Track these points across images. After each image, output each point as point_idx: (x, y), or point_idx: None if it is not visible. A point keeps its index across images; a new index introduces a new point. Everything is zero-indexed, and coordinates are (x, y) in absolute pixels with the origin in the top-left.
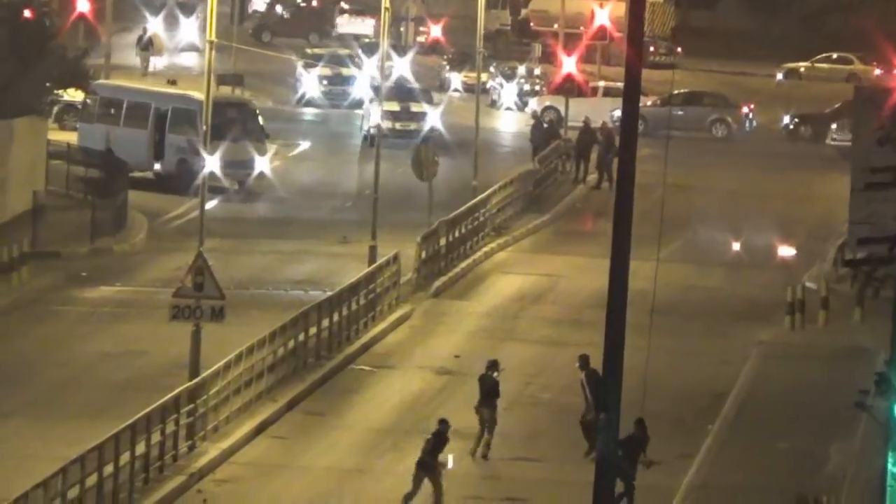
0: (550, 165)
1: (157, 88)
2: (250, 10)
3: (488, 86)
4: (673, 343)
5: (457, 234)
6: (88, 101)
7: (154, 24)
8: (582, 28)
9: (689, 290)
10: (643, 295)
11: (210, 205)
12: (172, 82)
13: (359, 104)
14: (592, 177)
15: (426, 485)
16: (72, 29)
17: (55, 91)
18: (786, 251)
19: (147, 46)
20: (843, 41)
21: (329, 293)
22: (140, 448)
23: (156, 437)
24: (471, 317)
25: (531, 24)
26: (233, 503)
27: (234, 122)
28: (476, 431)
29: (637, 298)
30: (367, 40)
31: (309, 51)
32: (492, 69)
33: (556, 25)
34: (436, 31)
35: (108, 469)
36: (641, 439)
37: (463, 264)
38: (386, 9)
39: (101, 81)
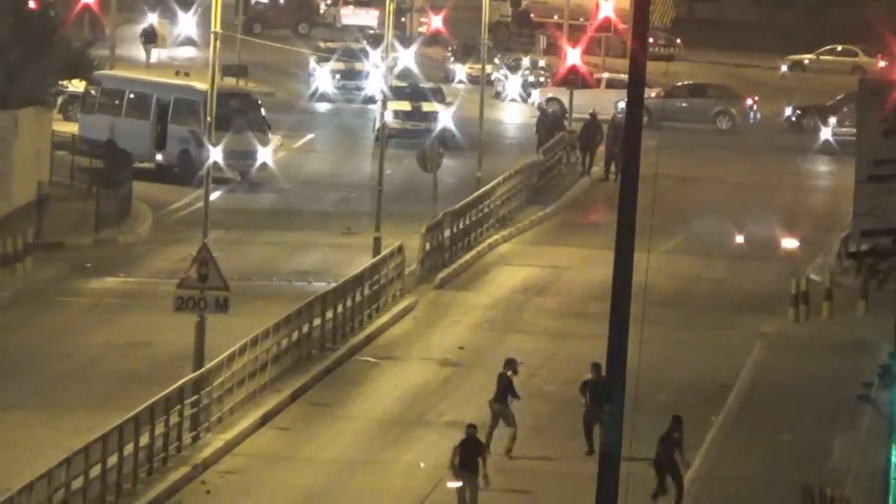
0: (554, 157)
1: (159, 79)
2: (253, 1)
3: (493, 77)
4: (677, 335)
5: (461, 226)
6: (90, 91)
7: (152, 18)
8: (581, 19)
9: (693, 281)
10: (647, 286)
11: (214, 196)
12: (186, 74)
13: (372, 100)
14: (596, 169)
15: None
16: (77, 20)
17: (60, 82)
18: (790, 243)
19: (151, 38)
20: (849, 33)
21: (333, 284)
22: (144, 439)
23: (160, 428)
24: (475, 308)
25: (531, 15)
26: (236, 494)
27: (236, 113)
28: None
29: (640, 291)
30: (371, 32)
31: (322, 45)
32: (496, 61)
33: (556, 17)
34: (436, 21)
35: (112, 460)
36: (676, 437)
37: (467, 256)
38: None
39: (104, 72)
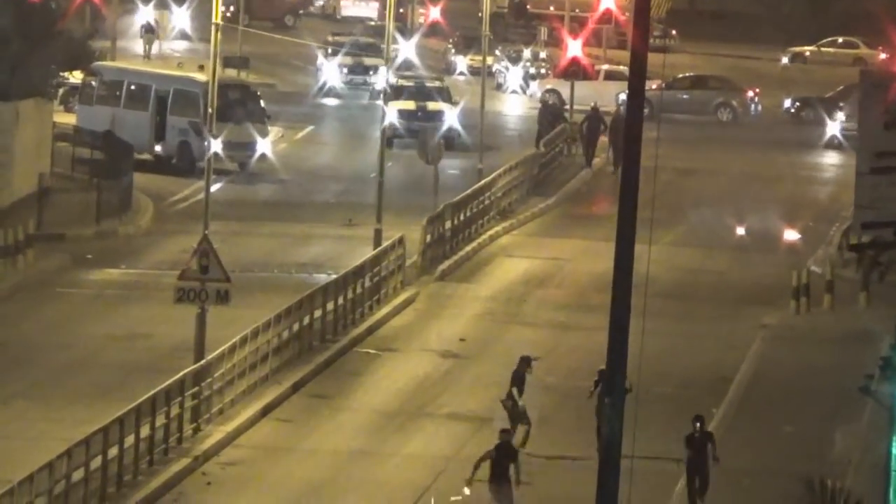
0: (555, 149)
1: (158, 70)
2: None
3: (494, 69)
4: (678, 327)
5: (462, 218)
6: (89, 82)
7: (147, 13)
8: (577, 10)
9: (695, 273)
10: (648, 278)
11: (215, 187)
12: (179, 64)
13: (379, 95)
14: (597, 160)
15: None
16: (78, 12)
17: (61, 73)
18: (791, 235)
19: (150, 30)
20: (850, 25)
21: (334, 276)
22: (145, 430)
23: (161, 420)
24: (476, 300)
25: (528, 6)
26: (237, 486)
27: (235, 104)
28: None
29: (642, 282)
30: (371, 23)
31: (330, 38)
32: (497, 52)
33: (552, 8)
34: (434, 12)
35: (113, 451)
36: (703, 436)
37: (468, 247)
38: None
39: (102, 63)
